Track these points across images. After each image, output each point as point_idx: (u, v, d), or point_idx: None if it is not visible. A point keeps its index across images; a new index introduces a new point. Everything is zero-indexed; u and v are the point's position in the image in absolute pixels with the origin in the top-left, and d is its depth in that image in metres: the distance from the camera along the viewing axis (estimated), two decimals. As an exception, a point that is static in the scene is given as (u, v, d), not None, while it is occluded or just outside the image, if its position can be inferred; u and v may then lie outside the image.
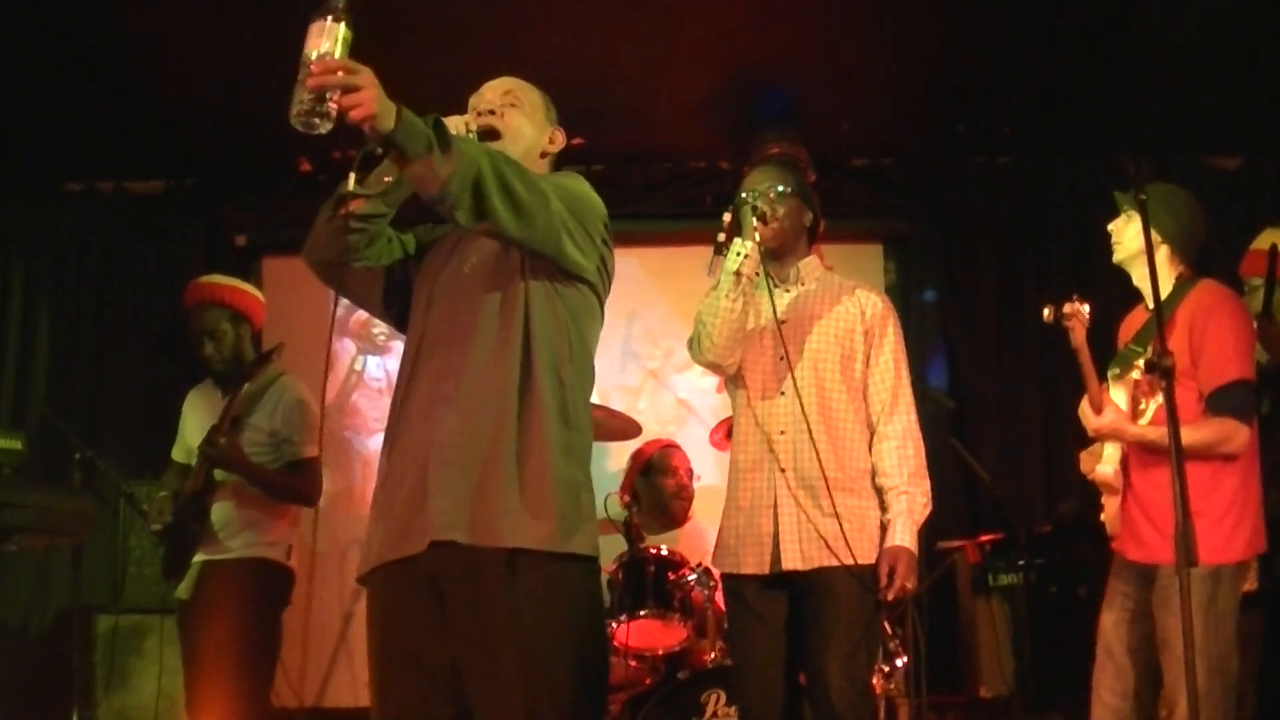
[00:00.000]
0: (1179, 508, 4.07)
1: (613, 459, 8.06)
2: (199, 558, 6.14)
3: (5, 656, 8.04)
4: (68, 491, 7.40)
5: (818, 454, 4.73)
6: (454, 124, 3.84)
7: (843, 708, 4.56)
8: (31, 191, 9.35)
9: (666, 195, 9.12)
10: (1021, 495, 8.43)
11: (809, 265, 5.07)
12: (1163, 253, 5.21)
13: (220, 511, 6.14)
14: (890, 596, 4.63)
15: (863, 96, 8.28)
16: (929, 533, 6.76)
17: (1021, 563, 7.46)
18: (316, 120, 3.48)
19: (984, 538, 7.81)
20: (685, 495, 7.38)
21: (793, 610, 4.78)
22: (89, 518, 7.07)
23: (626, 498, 7.11)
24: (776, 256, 5.00)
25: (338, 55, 3.44)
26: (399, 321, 4.14)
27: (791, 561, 4.70)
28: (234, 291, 6.46)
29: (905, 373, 4.93)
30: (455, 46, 7.51)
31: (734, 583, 4.92)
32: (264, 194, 9.34)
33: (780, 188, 4.96)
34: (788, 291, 5.01)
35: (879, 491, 4.82)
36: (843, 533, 4.64)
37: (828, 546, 4.64)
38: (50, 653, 8.34)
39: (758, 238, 4.73)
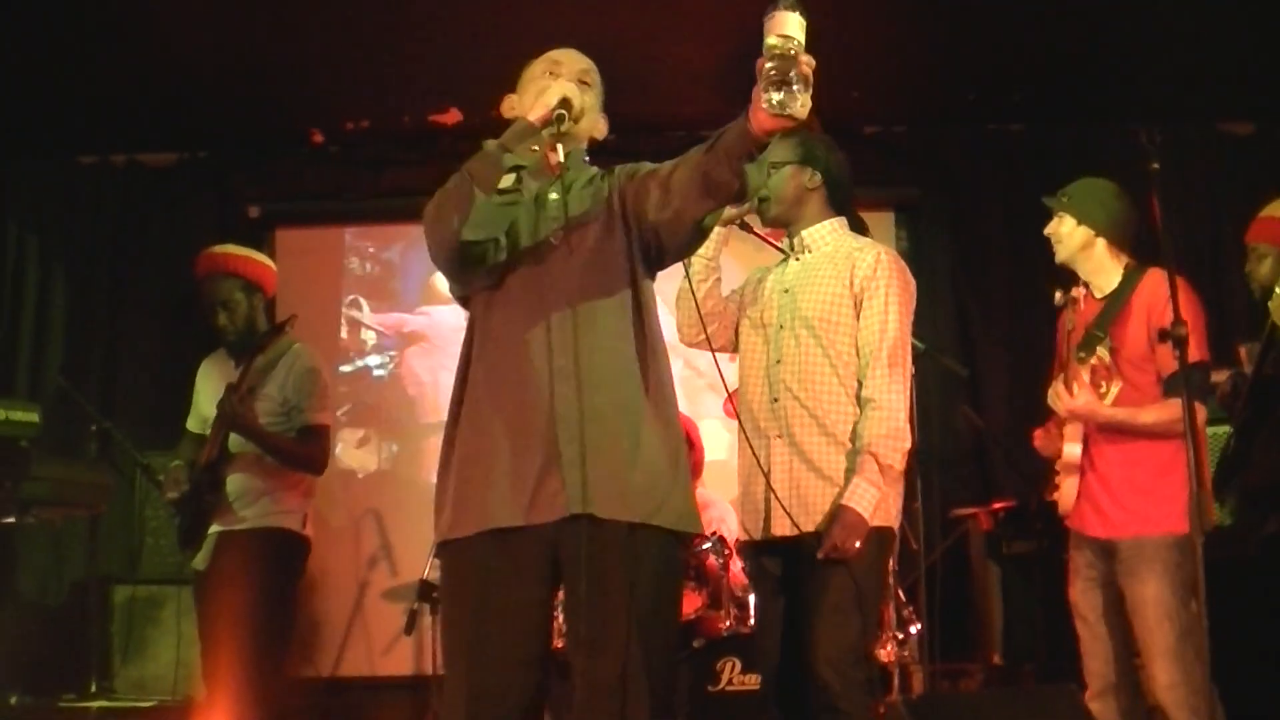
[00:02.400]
0: (1193, 479, 4.26)
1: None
2: (215, 528, 6.15)
3: (23, 628, 8.06)
4: (84, 463, 7.43)
5: (804, 421, 4.75)
6: (566, 89, 3.97)
7: (829, 675, 4.51)
8: (45, 165, 9.39)
9: (677, 165, 9.09)
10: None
11: (818, 232, 5.00)
12: (1100, 246, 5.46)
13: (235, 482, 6.14)
14: (821, 554, 4.56)
15: (874, 64, 8.27)
16: (941, 500, 6.79)
17: (1034, 530, 7.47)
18: (797, 103, 3.58)
19: (996, 505, 7.80)
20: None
21: (789, 575, 4.79)
22: (106, 489, 7.09)
23: None
24: (781, 225, 5.03)
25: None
26: (470, 291, 4.14)
27: (779, 528, 4.70)
28: (246, 261, 6.44)
29: (892, 330, 4.78)
30: (460, 16, 7.53)
31: (743, 549, 5.02)
32: (276, 165, 9.38)
33: (771, 160, 4.98)
34: (796, 259, 5.01)
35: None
36: (832, 499, 4.65)
37: (815, 513, 4.65)
38: (68, 623, 8.38)
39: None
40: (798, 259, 4.98)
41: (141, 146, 9.37)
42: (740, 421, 4.96)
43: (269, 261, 6.64)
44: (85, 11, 7.43)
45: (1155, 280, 5.28)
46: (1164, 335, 4.44)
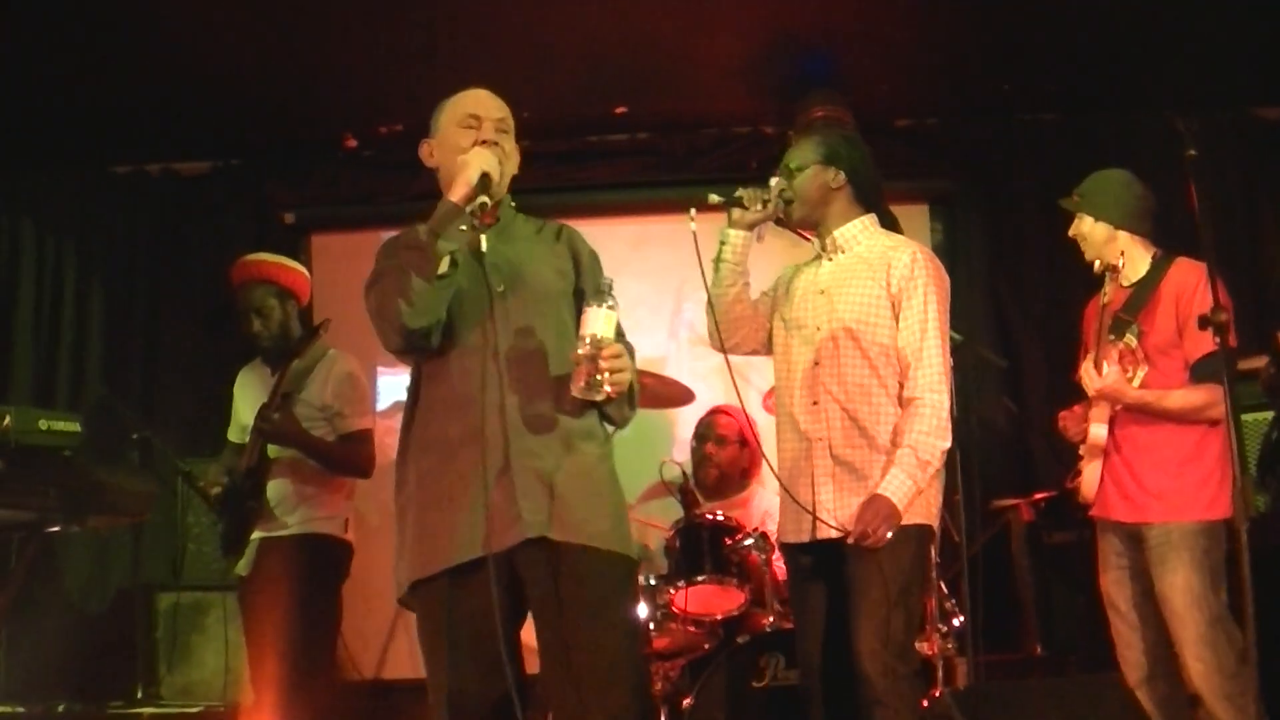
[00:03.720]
0: (1235, 464, 4.28)
1: (666, 426, 8.08)
2: (256, 534, 6.18)
3: (69, 635, 8.09)
4: (126, 471, 7.45)
5: (845, 424, 4.78)
6: (485, 163, 4.18)
7: (874, 672, 4.54)
8: (80, 175, 9.43)
9: (711, 162, 9.11)
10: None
11: (849, 232, 5.01)
12: (1123, 238, 5.50)
13: (275, 488, 6.17)
14: (850, 540, 4.62)
15: (905, 57, 8.26)
16: (982, 492, 6.78)
17: (1076, 520, 7.45)
18: (596, 393, 4.07)
19: (1037, 496, 7.78)
20: (712, 463, 7.39)
21: (831, 576, 4.79)
22: (148, 496, 7.12)
23: (683, 465, 7.17)
24: (809, 226, 5.05)
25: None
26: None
27: (826, 530, 4.73)
28: (280, 269, 6.47)
29: (932, 330, 4.82)
30: (492, 17, 7.54)
31: (785, 551, 5.04)
32: (310, 171, 9.40)
33: (793, 164, 5.00)
34: (829, 260, 5.01)
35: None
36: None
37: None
38: (113, 630, 8.41)
39: (733, 225, 4.97)
40: (830, 259, 4.98)
41: (176, 155, 9.40)
42: (779, 423, 4.97)
43: (302, 269, 6.65)
44: (117, 22, 7.45)
45: (1183, 269, 5.35)
46: (1204, 322, 4.44)
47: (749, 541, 6.38)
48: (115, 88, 8.23)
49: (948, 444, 4.77)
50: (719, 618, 6.43)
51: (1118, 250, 5.44)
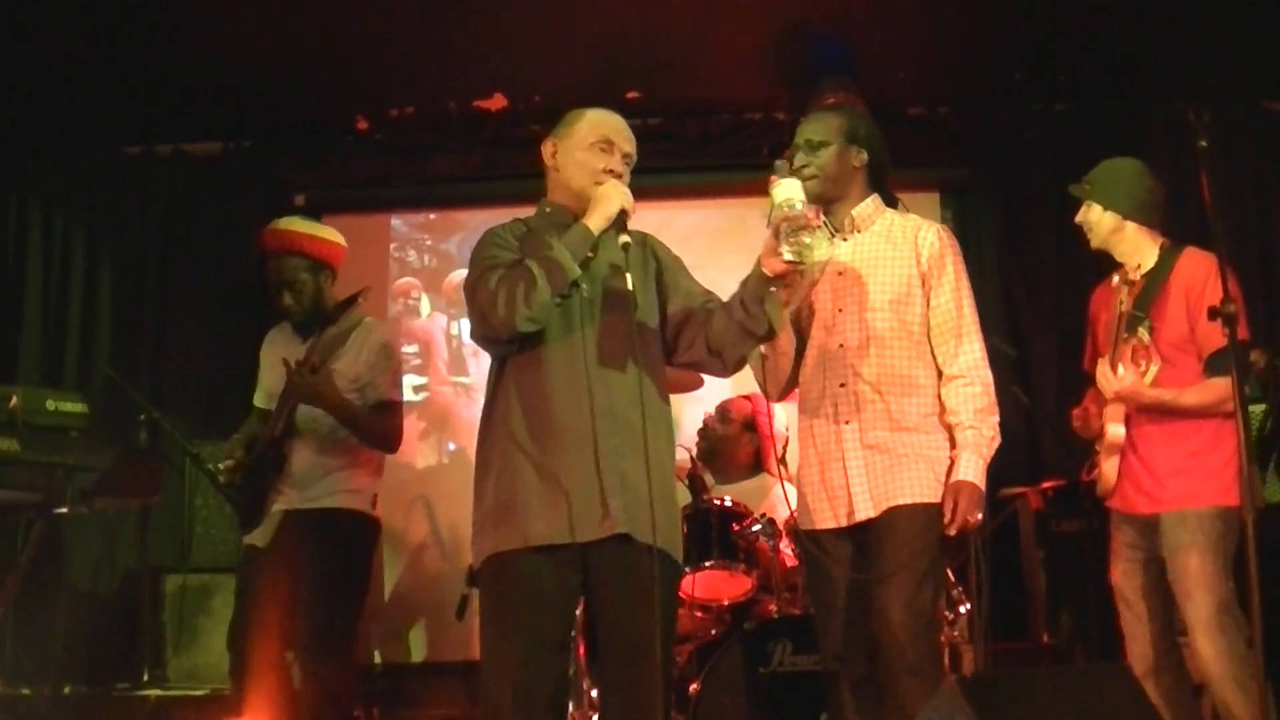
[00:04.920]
0: (1243, 456, 4.27)
1: (675, 412, 8.07)
2: (278, 507, 5.98)
3: (76, 618, 8.10)
4: (135, 453, 7.44)
5: (876, 405, 4.75)
6: (624, 199, 4.48)
7: (906, 639, 4.54)
8: (91, 157, 9.45)
9: (724, 148, 9.14)
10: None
11: (864, 210, 4.96)
12: (1130, 229, 5.46)
13: (302, 459, 5.99)
14: (953, 530, 4.62)
15: (918, 45, 8.26)
16: (991, 480, 6.76)
17: (1084, 509, 7.44)
18: (813, 253, 4.17)
19: (1046, 484, 7.78)
20: (704, 433, 7.39)
21: (861, 552, 4.78)
22: (156, 479, 7.10)
23: (691, 449, 7.14)
24: (825, 205, 4.96)
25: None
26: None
27: (864, 511, 4.70)
28: (311, 240, 6.22)
29: (968, 307, 4.85)
30: (505, 1, 7.53)
31: (808, 537, 4.92)
32: (322, 153, 9.41)
33: (815, 138, 4.95)
34: (844, 240, 4.96)
35: (948, 429, 4.78)
36: (909, 473, 4.68)
37: (894, 494, 4.66)
38: (120, 613, 8.43)
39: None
40: (845, 239, 4.96)
41: (187, 136, 9.42)
42: (801, 406, 4.95)
43: (336, 236, 6.38)
44: (128, 2, 7.46)
45: (1193, 261, 5.31)
46: (1214, 313, 4.45)
47: (757, 527, 6.36)
48: (126, 68, 8.24)
49: (998, 417, 4.83)
50: (726, 603, 6.44)
51: (1124, 240, 5.44)
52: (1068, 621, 7.68)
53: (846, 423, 4.77)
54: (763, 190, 4.78)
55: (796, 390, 5.05)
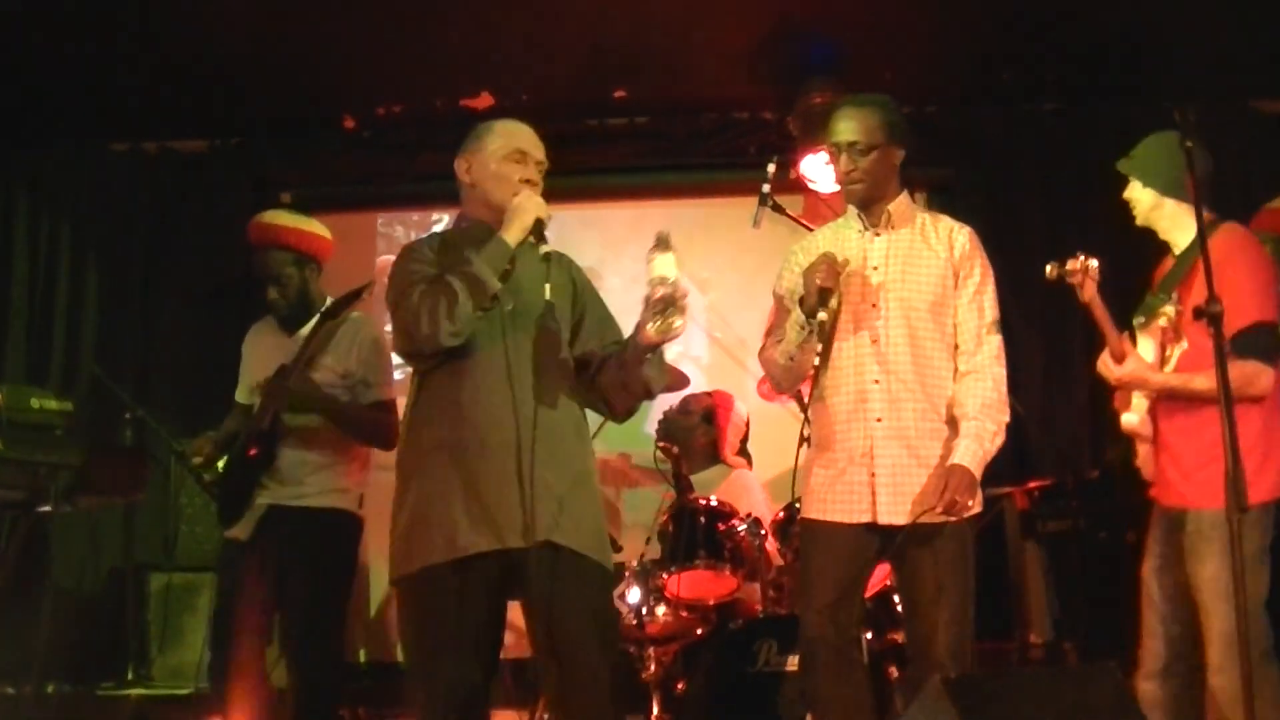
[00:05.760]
0: (1229, 453, 4.16)
1: (657, 411, 8.06)
2: (263, 501, 5.93)
3: (60, 616, 8.03)
4: (119, 451, 7.41)
5: (910, 402, 4.77)
6: (539, 209, 4.62)
7: (947, 658, 4.68)
8: (77, 153, 9.40)
9: (710, 147, 9.14)
10: (1069, 442, 8.42)
11: (900, 207, 5.01)
12: (1169, 205, 5.29)
13: (290, 456, 5.94)
14: (939, 509, 4.63)
15: (907, 44, 8.26)
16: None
17: (1071, 508, 7.45)
18: (674, 328, 4.43)
19: (1032, 484, 7.78)
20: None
21: (872, 550, 4.82)
22: (141, 477, 7.07)
23: (664, 446, 7.17)
24: (865, 204, 5.00)
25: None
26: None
27: (889, 515, 4.72)
28: (297, 233, 6.21)
29: (991, 308, 4.92)
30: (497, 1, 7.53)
31: (817, 526, 4.90)
32: (309, 151, 9.39)
33: (859, 142, 4.96)
34: (878, 236, 4.97)
35: (956, 422, 4.79)
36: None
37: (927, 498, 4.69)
38: (104, 612, 8.41)
39: (824, 316, 4.77)
40: (878, 235, 4.96)
41: (173, 134, 9.39)
42: (825, 403, 4.92)
43: (321, 229, 6.35)
44: (115, -1, 7.46)
45: (1222, 237, 5.11)
46: (1199, 313, 4.38)
47: (742, 527, 6.37)
48: (113, 65, 8.23)
49: (1007, 417, 4.84)
50: (712, 603, 6.44)
51: (1164, 216, 5.29)
52: (1053, 622, 7.68)
53: (878, 420, 4.78)
54: (751, 189, 4.81)
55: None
